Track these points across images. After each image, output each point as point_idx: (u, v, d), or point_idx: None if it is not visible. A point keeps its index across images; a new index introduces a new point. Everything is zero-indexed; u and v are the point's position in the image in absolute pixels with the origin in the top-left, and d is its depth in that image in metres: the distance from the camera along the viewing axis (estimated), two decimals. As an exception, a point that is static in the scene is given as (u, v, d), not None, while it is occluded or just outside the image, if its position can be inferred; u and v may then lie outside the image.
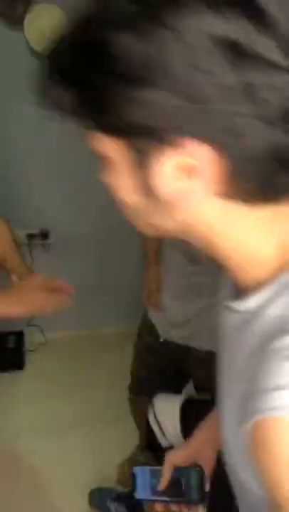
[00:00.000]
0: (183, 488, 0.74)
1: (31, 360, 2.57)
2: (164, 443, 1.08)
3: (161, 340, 1.46)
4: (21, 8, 2.15)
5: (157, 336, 1.48)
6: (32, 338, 2.72)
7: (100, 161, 0.51)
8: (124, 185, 0.46)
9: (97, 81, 0.37)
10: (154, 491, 0.73)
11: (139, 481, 0.75)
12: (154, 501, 0.73)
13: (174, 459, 0.78)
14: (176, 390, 1.40)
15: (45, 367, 2.52)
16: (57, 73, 0.43)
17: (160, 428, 1.09)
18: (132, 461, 1.72)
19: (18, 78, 2.26)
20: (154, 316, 1.51)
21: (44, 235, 2.54)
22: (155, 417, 1.12)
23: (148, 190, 0.43)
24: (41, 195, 2.50)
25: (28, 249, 2.54)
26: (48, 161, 2.45)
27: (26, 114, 2.34)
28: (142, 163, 0.41)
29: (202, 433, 0.83)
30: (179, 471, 0.75)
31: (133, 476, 0.76)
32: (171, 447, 1.04)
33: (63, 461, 1.84)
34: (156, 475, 0.74)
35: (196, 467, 0.76)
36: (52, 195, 2.52)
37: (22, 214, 2.51)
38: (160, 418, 1.11)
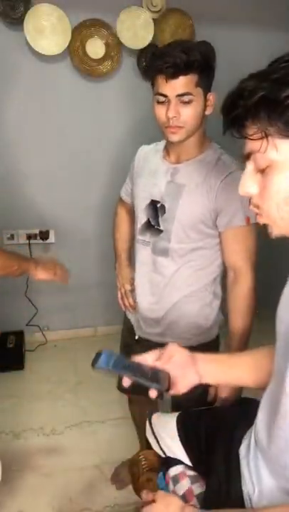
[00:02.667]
0: (148, 374, 0.80)
1: (31, 360, 2.57)
2: (163, 455, 1.09)
3: (136, 338, 1.44)
4: (21, 8, 2.15)
5: (131, 338, 1.47)
6: (32, 338, 2.72)
7: (257, 173, 0.66)
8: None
9: None
10: (115, 366, 0.78)
11: (103, 358, 0.79)
12: (114, 373, 0.77)
13: (175, 351, 0.85)
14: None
15: (45, 367, 2.52)
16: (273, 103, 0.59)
17: (158, 442, 1.09)
18: (132, 461, 1.72)
19: (18, 78, 2.27)
20: (131, 316, 1.50)
21: (44, 235, 2.54)
22: (153, 432, 1.12)
23: None
24: (41, 195, 2.50)
25: (28, 249, 2.54)
26: (48, 162, 2.45)
27: (26, 114, 2.35)
28: None
29: (199, 359, 0.88)
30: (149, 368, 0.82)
31: (97, 353, 0.80)
32: (172, 459, 1.04)
33: (63, 461, 1.84)
34: (120, 359, 0.80)
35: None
36: (52, 195, 2.52)
37: (22, 214, 2.51)
38: (157, 431, 1.11)
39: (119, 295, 1.52)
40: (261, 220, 0.69)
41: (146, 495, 0.78)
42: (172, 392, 0.84)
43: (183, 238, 1.22)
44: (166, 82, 1.07)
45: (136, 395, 1.65)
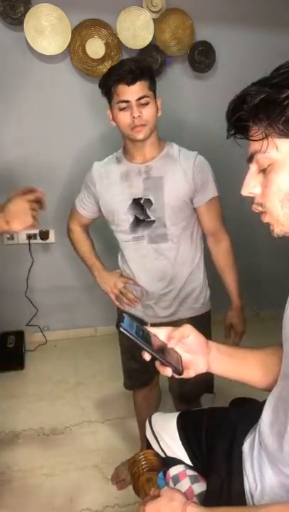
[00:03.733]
0: (164, 352, 0.78)
1: (31, 360, 2.57)
2: (163, 455, 1.09)
3: (149, 325, 1.47)
4: (21, 8, 2.15)
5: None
6: (32, 338, 2.72)
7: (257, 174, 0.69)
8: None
9: None
10: (137, 334, 0.76)
11: (126, 321, 0.77)
12: (135, 341, 0.75)
13: (189, 332, 0.85)
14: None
15: (45, 367, 2.52)
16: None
17: (158, 442, 1.10)
18: (132, 461, 1.72)
19: (18, 78, 2.27)
20: (135, 309, 1.52)
21: (44, 235, 2.54)
22: (153, 431, 1.12)
23: None
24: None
25: (28, 249, 2.54)
26: (48, 161, 2.45)
27: (26, 114, 2.35)
28: None
29: (213, 347, 0.88)
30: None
31: (121, 314, 0.79)
32: (173, 459, 1.05)
33: (63, 461, 1.84)
34: (140, 329, 0.78)
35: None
36: (52, 195, 2.51)
37: (22, 214, 2.51)
38: (157, 431, 1.11)
39: (113, 297, 1.54)
40: (265, 219, 0.71)
41: (152, 492, 0.81)
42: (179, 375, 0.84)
43: (175, 220, 1.38)
44: (128, 87, 1.24)
45: (138, 388, 1.67)
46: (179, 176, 1.35)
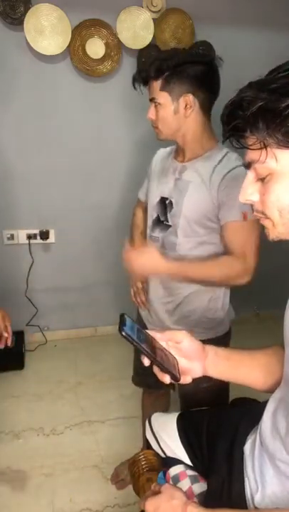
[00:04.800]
0: (163, 357, 0.78)
1: (31, 360, 2.57)
2: (163, 455, 1.09)
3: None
4: (21, 8, 2.15)
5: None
6: (32, 338, 2.72)
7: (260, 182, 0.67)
8: None
9: None
10: (138, 338, 0.76)
11: (128, 324, 0.76)
12: (136, 346, 0.74)
13: (183, 337, 0.84)
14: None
15: (45, 367, 2.52)
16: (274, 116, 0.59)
17: (158, 442, 1.10)
18: (132, 461, 1.72)
19: (18, 78, 2.27)
20: (142, 311, 1.54)
21: (44, 235, 2.54)
22: (152, 432, 1.12)
23: None
24: (41, 195, 2.50)
25: (28, 249, 2.54)
26: (48, 162, 2.45)
27: (26, 114, 2.35)
28: None
29: (210, 351, 0.87)
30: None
31: (123, 317, 0.77)
32: (172, 459, 1.05)
33: (63, 461, 1.85)
34: (141, 333, 0.78)
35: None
36: (52, 195, 2.52)
37: (22, 214, 2.51)
38: (157, 431, 1.11)
39: (131, 292, 1.56)
40: (264, 223, 0.70)
41: (153, 487, 0.81)
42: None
43: (189, 232, 1.27)
44: (145, 87, 1.25)
45: (148, 388, 1.66)
46: (207, 186, 1.22)
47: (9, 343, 1.42)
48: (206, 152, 1.26)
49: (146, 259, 1.21)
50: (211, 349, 0.88)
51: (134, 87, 1.28)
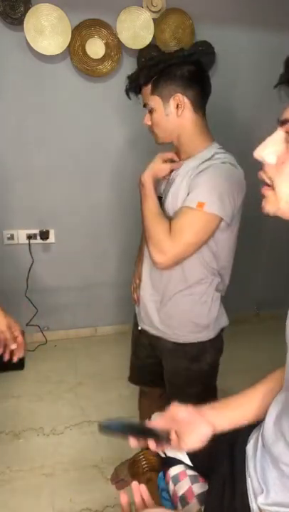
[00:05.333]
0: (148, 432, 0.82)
1: (31, 360, 2.57)
2: (163, 455, 1.09)
3: (139, 328, 1.50)
4: (21, 8, 2.15)
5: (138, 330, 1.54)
6: (32, 338, 2.72)
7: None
8: None
9: None
10: (123, 429, 0.81)
11: (113, 424, 0.82)
12: (118, 433, 0.79)
13: (178, 410, 0.86)
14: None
15: (45, 367, 2.53)
16: None
17: None
18: (132, 461, 1.72)
19: (18, 78, 2.27)
20: (137, 309, 1.54)
21: (44, 235, 2.54)
22: None
23: None
24: (41, 195, 2.50)
25: (28, 249, 2.54)
26: (48, 162, 2.45)
27: (26, 114, 2.35)
28: None
29: (207, 409, 0.89)
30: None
31: (102, 424, 0.82)
32: (173, 459, 1.05)
33: (63, 461, 1.85)
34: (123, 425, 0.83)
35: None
36: (52, 195, 2.52)
37: (22, 214, 2.51)
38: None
39: (132, 288, 1.58)
40: (265, 192, 0.64)
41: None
42: (185, 449, 0.87)
43: None
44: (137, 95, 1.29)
45: (144, 386, 1.67)
46: (185, 180, 1.23)
47: (15, 359, 1.21)
48: (198, 152, 1.26)
49: (155, 160, 1.28)
50: (204, 407, 0.89)
51: (129, 97, 1.31)
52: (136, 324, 1.55)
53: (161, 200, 1.32)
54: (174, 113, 1.23)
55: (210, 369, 1.41)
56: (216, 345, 1.40)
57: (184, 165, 1.27)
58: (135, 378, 1.68)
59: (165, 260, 1.19)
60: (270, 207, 0.63)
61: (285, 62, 0.58)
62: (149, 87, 1.24)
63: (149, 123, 1.29)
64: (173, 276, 1.29)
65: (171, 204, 1.26)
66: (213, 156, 1.22)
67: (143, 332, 1.48)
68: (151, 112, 1.26)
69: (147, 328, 1.44)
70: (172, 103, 1.22)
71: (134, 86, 1.28)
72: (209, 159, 1.21)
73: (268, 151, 0.60)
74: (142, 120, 1.30)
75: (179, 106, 1.22)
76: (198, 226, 1.16)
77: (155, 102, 1.24)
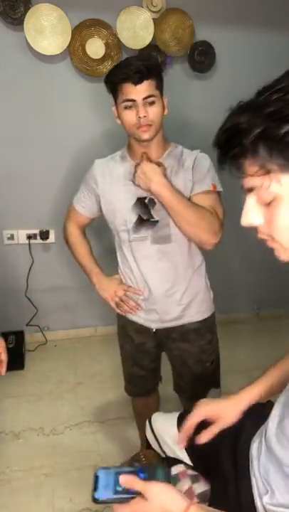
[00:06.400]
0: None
1: (31, 360, 2.57)
2: (163, 455, 1.09)
3: (154, 330, 1.48)
4: (21, 8, 2.15)
5: (145, 336, 1.51)
6: (32, 338, 2.72)
7: (262, 204, 0.63)
8: None
9: None
10: (116, 491, 0.70)
11: (102, 482, 0.71)
12: (114, 501, 0.69)
13: (204, 407, 0.96)
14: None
15: (45, 367, 2.53)
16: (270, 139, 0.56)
17: (158, 443, 1.09)
18: (132, 461, 1.72)
19: (18, 78, 2.27)
20: (136, 316, 1.50)
21: (44, 235, 2.54)
22: (153, 432, 1.12)
23: None
24: (41, 195, 2.50)
25: (28, 250, 2.54)
26: (48, 162, 2.45)
27: (26, 114, 2.35)
28: None
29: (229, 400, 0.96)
30: (144, 470, 0.72)
31: (96, 477, 0.73)
32: (173, 459, 1.05)
33: (63, 461, 1.85)
34: (119, 474, 0.71)
35: (162, 465, 0.76)
36: (52, 195, 2.52)
37: (22, 214, 2.51)
38: (158, 431, 1.11)
39: (113, 305, 1.51)
40: (272, 245, 0.66)
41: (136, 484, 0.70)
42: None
43: None
44: (135, 86, 1.22)
45: (143, 396, 1.67)
46: (182, 175, 1.33)
47: (2, 372, 1.29)
48: (166, 150, 1.36)
49: (150, 168, 1.28)
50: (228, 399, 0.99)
51: (116, 90, 1.27)
52: (138, 332, 1.52)
53: (143, 200, 1.35)
54: (163, 112, 1.30)
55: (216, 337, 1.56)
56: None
57: (165, 163, 1.34)
58: (138, 390, 1.66)
59: (218, 239, 1.30)
60: (284, 256, 0.66)
61: (215, 144, 0.61)
62: (155, 80, 1.25)
63: (146, 115, 1.25)
64: (180, 263, 1.39)
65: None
66: (182, 150, 1.38)
67: (158, 333, 1.47)
68: (151, 104, 1.25)
69: (166, 324, 1.45)
70: (164, 101, 1.31)
71: (144, 73, 1.22)
72: (183, 152, 1.37)
73: (253, 217, 0.64)
74: (139, 112, 1.24)
75: (165, 106, 1.31)
76: (220, 203, 1.35)
77: (158, 96, 1.27)
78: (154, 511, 0.66)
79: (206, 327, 1.49)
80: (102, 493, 0.70)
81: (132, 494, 0.68)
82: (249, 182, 0.61)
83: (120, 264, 1.51)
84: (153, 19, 2.30)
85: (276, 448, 0.79)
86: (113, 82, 1.26)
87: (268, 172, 0.57)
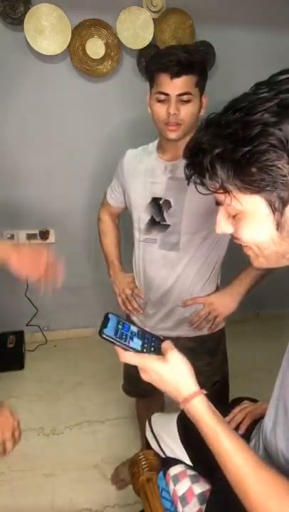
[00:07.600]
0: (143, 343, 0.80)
1: (31, 360, 2.57)
2: (163, 455, 1.09)
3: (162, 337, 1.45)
4: (21, 8, 2.15)
5: None
6: (32, 338, 2.72)
7: (233, 219, 0.66)
8: (261, 230, 0.61)
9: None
10: (119, 336, 0.78)
11: (110, 323, 0.79)
12: (115, 343, 0.77)
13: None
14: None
15: (45, 367, 2.53)
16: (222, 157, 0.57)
17: (158, 443, 1.09)
18: (132, 461, 1.72)
19: (18, 78, 2.27)
20: (136, 318, 1.50)
21: (44, 235, 2.54)
22: (152, 432, 1.12)
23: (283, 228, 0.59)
24: (41, 195, 2.50)
25: (28, 249, 2.54)
26: (48, 161, 2.45)
27: (26, 114, 2.35)
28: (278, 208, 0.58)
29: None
30: (146, 332, 0.84)
31: (106, 317, 0.80)
32: (172, 459, 1.05)
33: (63, 461, 1.85)
34: (125, 324, 0.81)
35: (161, 337, 0.85)
36: (52, 195, 2.52)
37: (22, 214, 2.51)
38: (157, 431, 1.11)
39: (120, 301, 1.51)
40: (247, 252, 0.69)
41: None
42: None
43: (194, 228, 1.25)
44: (171, 79, 1.11)
45: (141, 397, 1.66)
46: None
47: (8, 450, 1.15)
48: None
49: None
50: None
51: (153, 78, 1.16)
52: None
53: (159, 201, 1.28)
54: (200, 112, 1.20)
55: None
56: (222, 331, 1.49)
57: (183, 163, 1.26)
58: (130, 390, 1.65)
59: None
60: (255, 263, 0.70)
61: (184, 155, 0.64)
62: (196, 76, 1.14)
63: (177, 112, 1.15)
64: (184, 274, 1.31)
65: (194, 204, 1.22)
66: None
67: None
68: (186, 102, 1.14)
69: (158, 331, 1.38)
70: (204, 101, 1.21)
71: (186, 66, 1.10)
72: None
73: (224, 227, 0.68)
74: (170, 108, 1.14)
75: (203, 106, 1.21)
76: None
77: (196, 95, 1.16)
78: (166, 376, 0.72)
79: (203, 348, 1.39)
80: (109, 332, 0.77)
81: (129, 347, 0.77)
82: (216, 196, 0.64)
83: (133, 261, 1.46)
84: (153, 19, 2.30)
85: (271, 451, 0.79)
86: (151, 70, 1.16)
87: (227, 191, 0.60)
